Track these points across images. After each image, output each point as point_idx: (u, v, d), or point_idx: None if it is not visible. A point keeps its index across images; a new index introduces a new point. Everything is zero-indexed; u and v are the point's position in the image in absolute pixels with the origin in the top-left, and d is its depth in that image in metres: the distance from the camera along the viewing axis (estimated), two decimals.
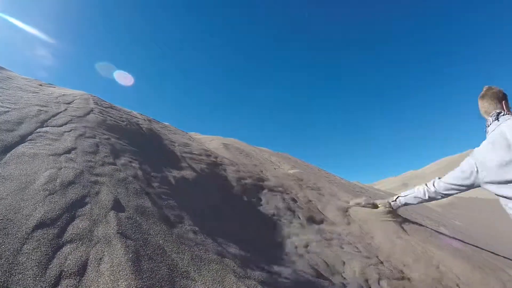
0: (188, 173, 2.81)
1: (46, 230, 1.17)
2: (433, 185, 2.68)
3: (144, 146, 3.03)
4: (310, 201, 3.31)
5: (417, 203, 3.01)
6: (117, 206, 1.48)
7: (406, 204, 3.07)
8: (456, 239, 3.32)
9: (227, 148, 4.53)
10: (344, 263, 2.08)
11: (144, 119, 4.70)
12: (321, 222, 2.79)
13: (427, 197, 2.74)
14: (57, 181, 1.52)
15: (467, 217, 10.87)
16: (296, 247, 2.12)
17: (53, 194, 1.40)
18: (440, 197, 2.68)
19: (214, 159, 3.64)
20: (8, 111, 2.26)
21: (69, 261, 1.06)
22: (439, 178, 2.66)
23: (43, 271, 1.00)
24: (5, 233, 1.08)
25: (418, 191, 2.87)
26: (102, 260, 1.10)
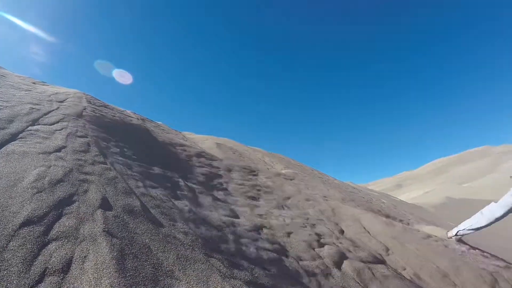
0: (181, 173, 2.82)
1: (33, 227, 1.18)
2: (489, 211, 2.88)
3: (137, 145, 3.04)
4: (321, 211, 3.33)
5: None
6: (105, 205, 1.50)
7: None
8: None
9: (220, 148, 4.54)
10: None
11: (137, 118, 4.70)
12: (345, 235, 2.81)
13: (485, 225, 2.95)
14: (46, 179, 1.53)
15: (459, 218, 10.96)
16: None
17: (41, 192, 1.41)
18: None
19: (208, 160, 3.65)
20: None
21: (53, 259, 1.07)
22: (495, 203, 2.88)
23: (28, 268, 1.01)
24: None
25: (478, 221, 2.99)
26: (86, 258, 1.12)
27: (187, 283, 1.19)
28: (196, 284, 1.21)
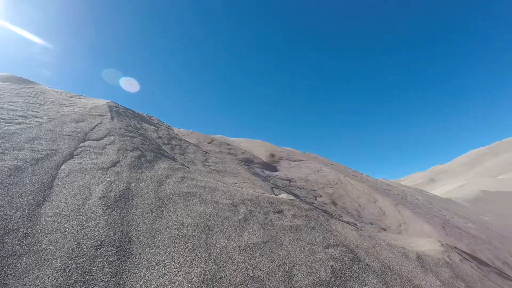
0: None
1: (107, 248, 1.24)
2: None
3: (180, 155, 3.10)
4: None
5: None
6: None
7: None
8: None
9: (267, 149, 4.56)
10: None
11: (166, 127, 4.83)
12: None
13: None
14: (111, 195, 1.60)
15: (495, 212, 10.44)
16: None
17: (110, 208, 1.48)
18: None
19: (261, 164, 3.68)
20: (47, 126, 2.38)
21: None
22: None
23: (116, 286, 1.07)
24: (79, 248, 1.16)
25: None
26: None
27: None
28: None
